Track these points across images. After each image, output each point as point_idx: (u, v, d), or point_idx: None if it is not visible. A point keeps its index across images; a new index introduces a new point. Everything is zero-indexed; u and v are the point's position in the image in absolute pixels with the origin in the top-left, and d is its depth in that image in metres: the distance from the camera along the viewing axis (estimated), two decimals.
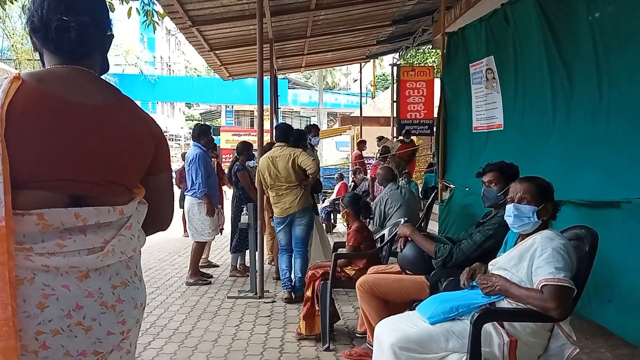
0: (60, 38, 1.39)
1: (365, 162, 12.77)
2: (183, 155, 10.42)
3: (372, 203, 6.02)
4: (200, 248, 6.34)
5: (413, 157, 11.23)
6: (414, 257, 3.29)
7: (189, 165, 6.10)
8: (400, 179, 9.45)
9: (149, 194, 1.55)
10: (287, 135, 5.47)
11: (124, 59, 27.86)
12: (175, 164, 14.90)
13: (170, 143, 36.92)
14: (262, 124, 5.53)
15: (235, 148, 6.91)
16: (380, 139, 11.20)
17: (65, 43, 1.40)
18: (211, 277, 6.46)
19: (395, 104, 12.69)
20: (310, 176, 5.25)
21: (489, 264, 2.69)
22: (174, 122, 41.35)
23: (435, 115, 7.38)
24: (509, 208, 2.58)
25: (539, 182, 2.60)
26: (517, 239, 2.64)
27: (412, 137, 12.08)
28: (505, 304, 2.46)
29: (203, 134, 6.23)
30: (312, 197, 5.61)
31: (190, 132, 36.02)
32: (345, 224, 4.82)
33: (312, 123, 10.48)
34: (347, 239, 4.37)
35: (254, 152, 6.72)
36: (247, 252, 6.49)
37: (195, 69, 46.68)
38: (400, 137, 11.83)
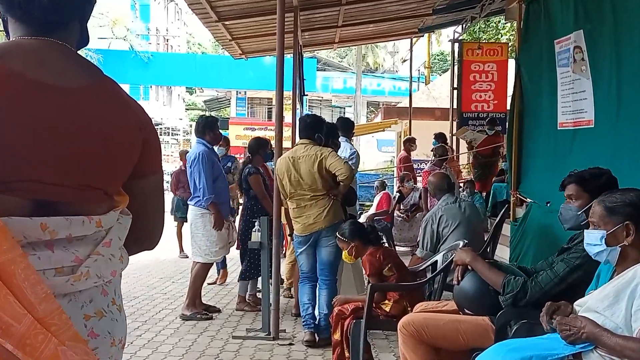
0: (30, 2, 1.42)
1: (415, 166, 12.63)
2: (182, 154, 10.52)
3: (422, 220, 5.96)
4: (203, 271, 6.41)
5: (496, 157, 10.77)
6: (474, 291, 3.27)
7: (191, 167, 6.19)
8: (460, 189, 9.29)
9: (133, 203, 1.56)
10: (314, 130, 5.46)
11: (111, 30, 28.40)
12: (170, 165, 15.06)
13: (166, 138, 37.25)
14: (282, 116, 5.49)
15: (247, 146, 6.90)
16: (438, 136, 11.02)
17: (35, 9, 1.42)
18: (218, 311, 6.57)
19: (455, 91, 12.56)
20: (342, 184, 5.25)
21: (574, 304, 2.67)
22: (171, 111, 42.05)
23: (509, 107, 7.27)
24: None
25: (614, 199, 2.59)
26: (612, 272, 2.62)
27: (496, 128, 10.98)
28: (595, 357, 2.42)
29: (209, 127, 6.31)
30: (344, 210, 5.62)
31: (192, 125, 35.88)
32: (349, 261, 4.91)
33: (343, 116, 10.31)
34: (365, 269, 4.51)
35: (271, 151, 6.74)
36: (259, 279, 6.49)
37: (199, 44, 47.33)
38: (481, 128, 11.43)
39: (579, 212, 3.18)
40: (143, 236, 1.63)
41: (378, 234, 4.84)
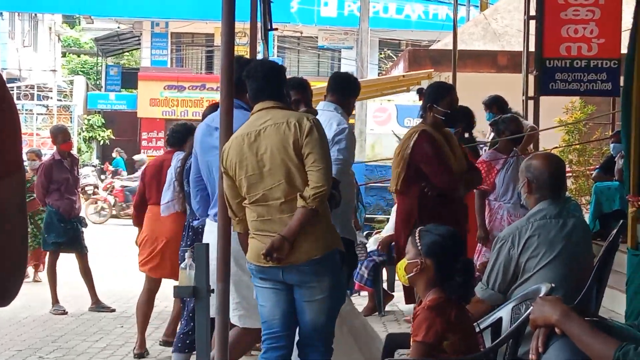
0: None
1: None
2: (57, 134, 8.28)
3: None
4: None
5: None
6: None
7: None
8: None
9: None
10: (279, 83, 4.32)
11: None
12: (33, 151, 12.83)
13: (27, 104, 26.33)
14: (232, 65, 4.16)
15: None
16: (491, 103, 8.47)
17: None
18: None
19: (534, 24, 9.68)
20: (307, 196, 3.98)
21: None
22: (37, 58, 31.48)
23: (626, 49, 5.84)
24: None
25: None
26: None
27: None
28: None
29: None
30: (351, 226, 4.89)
31: (72, 82, 26.34)
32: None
33: (341, 72, 8.32)
34: (413, 328, 3.62)
35: None
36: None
37: None
38: None
39: None
40: None
41: (471, 282, 3.78)
